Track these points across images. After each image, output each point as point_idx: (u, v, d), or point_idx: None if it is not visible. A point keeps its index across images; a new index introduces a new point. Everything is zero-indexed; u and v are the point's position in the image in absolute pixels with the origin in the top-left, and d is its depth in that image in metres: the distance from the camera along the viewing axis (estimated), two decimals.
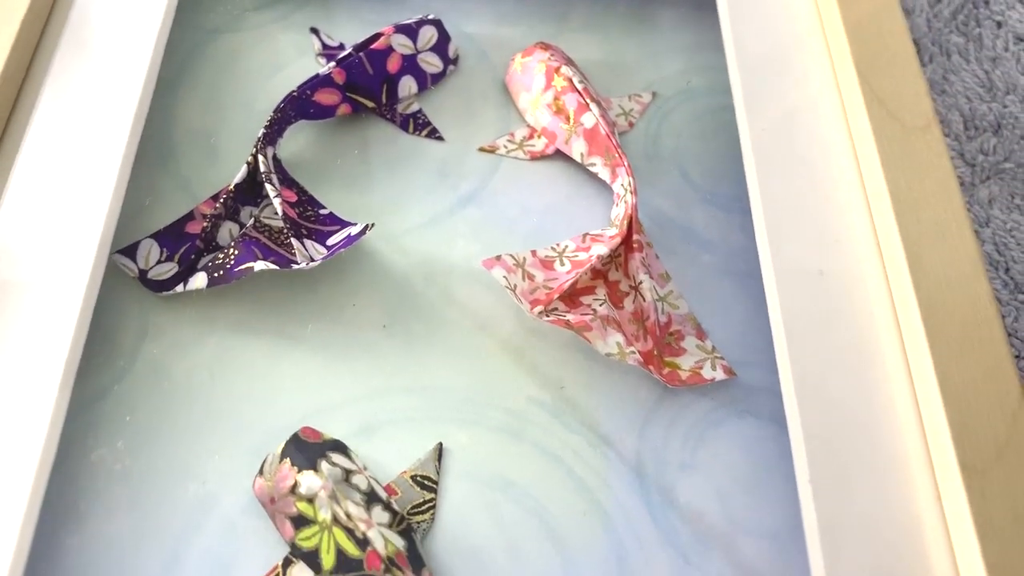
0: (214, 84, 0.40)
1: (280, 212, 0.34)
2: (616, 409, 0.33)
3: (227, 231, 0.35)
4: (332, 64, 0.38)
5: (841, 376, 0.31)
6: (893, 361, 0.31)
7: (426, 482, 0.31)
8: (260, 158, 0.35)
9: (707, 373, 0.34)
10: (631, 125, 0.40)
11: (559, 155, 0.39)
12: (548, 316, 0.32)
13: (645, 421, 0.33)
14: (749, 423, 0.33)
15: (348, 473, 0.29)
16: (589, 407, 0.33)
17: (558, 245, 0.36)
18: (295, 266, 0.33)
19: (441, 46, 0.40)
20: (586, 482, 0.32)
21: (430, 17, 0.40)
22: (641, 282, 0.34)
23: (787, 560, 0.31)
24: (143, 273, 0.34)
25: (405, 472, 0.31)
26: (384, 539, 0.28)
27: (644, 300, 0.34)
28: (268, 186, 0.35)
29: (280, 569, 0.29)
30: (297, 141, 0.39)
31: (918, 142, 0.35)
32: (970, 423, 0.29)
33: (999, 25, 0.48)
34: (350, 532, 0.28)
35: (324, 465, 0.29)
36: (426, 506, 0.31)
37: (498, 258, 0.34)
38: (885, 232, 0.33)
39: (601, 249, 0.35)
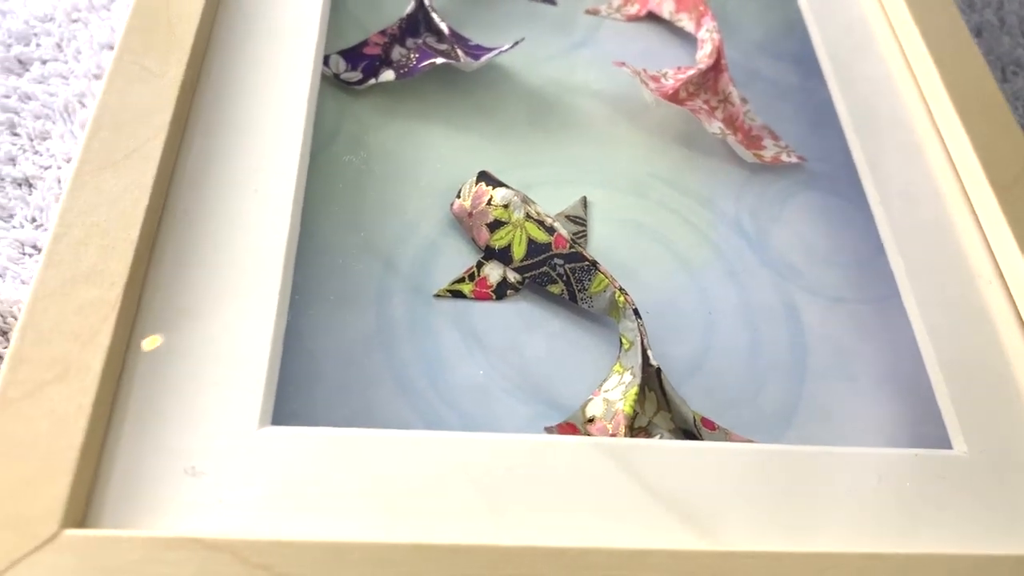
0: None
1: (447, 31, 0.43)
2: (717, 183, 0.42)
3: (398, 52, 0.44)
4: None
5: (893, 144, 0.41)
6: (926, 129, 0.41)
7: (577, 220, 0.40)
8: None
9: (784, 158, 0.43)
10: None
11: (651, 17, 0.49)
12: (666, 102, 0.42)
13: (740, 190, 0.42)
14: (819, 195, 0.43)
15: (526, 196, 0.38)
16: (695, 180, 0.42)
17: (662, 70, 0.45)
18: (460, 63, 0.41)
19: None
20: (699, 226, 0.41)
21: None
22: (730, 93, 0.44)
23: (855, 282, 0.39)
24: (336, 76, 0.43)
25: (560, 213, 0.40)
26: (566, 228, 0.36)
27: (733, 106, 0.44)
28: (433, 14, 0.44)
29: (475, 268, 0.37)
30: (438, 3, 0.48)
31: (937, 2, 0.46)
32: (993, 160, 0.38)
33: None
34: (539, 223, 0.36)
35: (510, 186, 0.38)
36: (580, 235, 0.39)
37: (624, 63, 0.43)
38: (912, 46, 0.43)
39: (700, 67, 0.44)
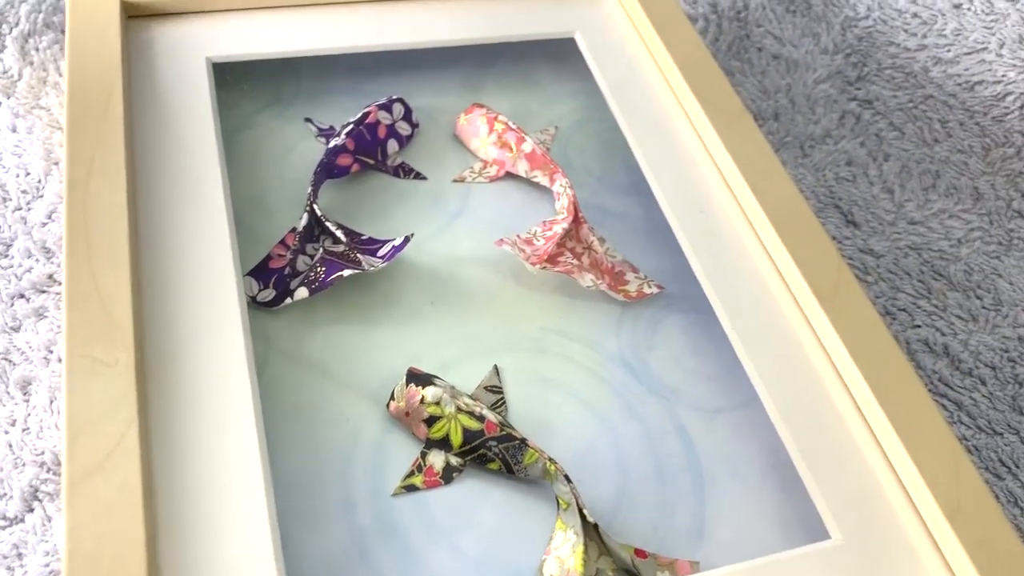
0: (249, 166, 0.54)
1: (344, 239, 0.49)
2: (598, 324, 0.50)
3: (302, 262, 0.49)
4: (344, 136, 0.53)
5: (732, 268, 0.49)
6: (757, 251, 0.50)
7: (494, 389, 0.46)
8: (315, 206, 0.50)
9: (646, 289, 0.51)
10: (548, 150, 0.58)
11: (508, 176, 0.56)
12: (544, 268, 0.49)
13: (618, 327, 0.50)
14: (681, 316, 0.51)
15: (452, 388, 0.44)
16: (581, 326, 0.49)
17: (530, 230, 0.52)
18: (369, 269, 0.47)
19: (408, 116, 0.56)
20: (593, 369, 0.48)
21: (395, 97, 0.56)
22: (592, 242, 0.52)
23: (726, 391, 0.48)
24: (252, 299, 0.48)
25: (479, 386, 0.46)
26: (494, 414, 0.43)
27: (597, 252, 0.51)
28: (328, 223, 0.49)
29: (420, 459, 0.43)
30: (326, 197, 0.53)
31: (737, 123, 0.54)
32: (814, 273, 0.47)
33: (760, 50, 0.70)
34: (470, 414, 0.43)
35: (437, 381, 0.44)
36: (500, 402, 0.46)
37: (502, 240, 0.50)
38: (732, 177, 0.52)
39: (563, 226, 0.51)
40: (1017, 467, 0.52)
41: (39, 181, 0.55)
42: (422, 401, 0.43)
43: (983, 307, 0.58)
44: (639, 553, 0.41)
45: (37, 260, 0.52)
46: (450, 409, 0.43)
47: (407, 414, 0.44)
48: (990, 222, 0.63)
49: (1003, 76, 0.67)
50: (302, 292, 0.47)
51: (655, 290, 0.51)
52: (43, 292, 0.51)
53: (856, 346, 0.45)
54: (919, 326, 0.57)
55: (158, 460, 0.38)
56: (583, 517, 0.40)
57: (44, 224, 0.53)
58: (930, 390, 0.54)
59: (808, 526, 0.43)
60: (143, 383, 0.40)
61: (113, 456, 0.37)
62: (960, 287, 0.59)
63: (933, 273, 0.60)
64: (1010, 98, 0.67)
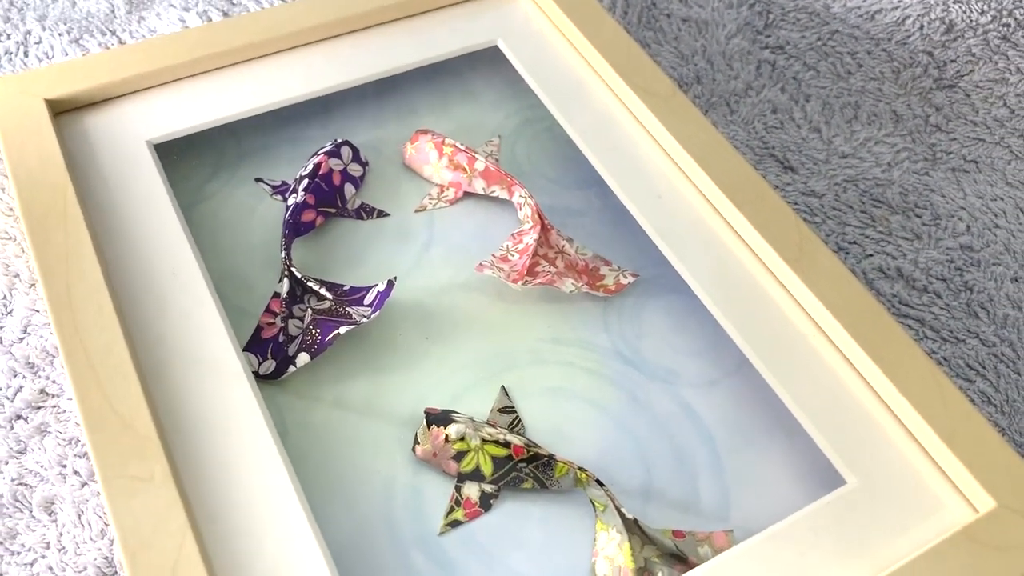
0: (214, 239, 0.54)
1: (328, 295, 0.50)
2: (587, 323, 0.52)
3: (293, 325, 0.50)
4: (303, 192, 0.54)
5: (699, 245, 0.52)
6: (719, 225, 0.53)
7: (507, 409, 0.48)
8: (293, 269, 0.50)
9: (623, 280, 0.53)
10: (497, 161, 0.59)
11: (467, 195, 0.57)
12: (526, 283, 0.51)
13: (605, 322, 0.52)
14: (661, 299, 0.53)
15: (472, 420, 0.46)
16: (571, 329, 0.52)
17: (502, 246, 0.54)
18: (362, 322, 0.48)
19: (357, 157, 0.57)
20: (593, 369, 0.50)
21: (340, 140, 0.57)
22: (563, 245, 0.54)
23: (717, 361, 0.51)
24: (255, 374, 0.48)
25: (492, 410, 0.48)
26: (517, 436, 0.45)
27: (569, 254, 0.54)
28: (310, 282, 0.50)
29: (456, 493, 0.45)
30: (297, 254, 0.54)
31: (672, 103, 0.57)
32: (777, 238, 0.50)
33: (669, 16, 0.72)
34: (495, 442, 0.45)
35: (456, 417, 0.46)
36: (516, 422, 0.48)
37: (481, 264, 0.51)
38: (679, 157, 0.54)
39: (532, 236, 0.53)
40: (984, 368, 0.56)
41: (4, 297, 0.54)
42: (447, 440, 0.45)
43: (923, 224, 0.62)
44: (677, 534, 0.44)
45: (24, 377, 0.52)
46: (475, 442, 0.45)
47: (435, 454, 0.45)
48: (913, 141, 0.67)
49: (899, 2, 0.71)
50: (303, 358, 0.48)
51: (631, 279, 0.53)
52: (39, 408, 0.51)
53: (830, 298, 0.48)
54: (871, 255, 0.61)
55: (217, 560, 0.39)
56: (622, 515, 0.43)
57: (21, 339, 0.53)
58: (893, 313, 0.58)
59: (823, 475, 0.46)
60: (182, 488, 0.41)
61: (178, 568, 0.38)
62: (899, 209, 0.63)
63: (872, 201, 0.64)
64: (909, 21, 0.71)
